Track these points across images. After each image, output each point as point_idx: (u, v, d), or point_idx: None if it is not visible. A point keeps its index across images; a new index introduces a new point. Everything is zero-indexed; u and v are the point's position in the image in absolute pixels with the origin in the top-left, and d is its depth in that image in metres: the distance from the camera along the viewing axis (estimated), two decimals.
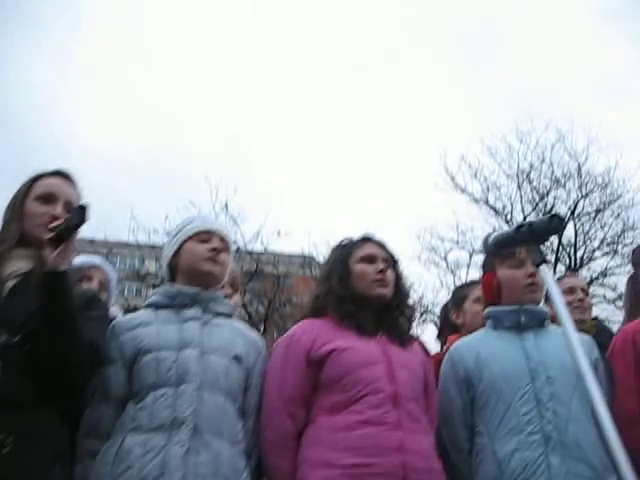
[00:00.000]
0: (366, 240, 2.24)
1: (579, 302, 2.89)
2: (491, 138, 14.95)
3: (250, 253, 15.53)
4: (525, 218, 14.43)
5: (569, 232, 14.25)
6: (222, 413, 1.83)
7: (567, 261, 14.16)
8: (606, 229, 14.32)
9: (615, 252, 14.13)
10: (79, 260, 2.36)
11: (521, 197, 14.51)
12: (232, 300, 2.60)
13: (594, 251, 14.05)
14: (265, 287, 16.17)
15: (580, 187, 14.12)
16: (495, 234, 1.56)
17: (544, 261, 1.43)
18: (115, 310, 2.50)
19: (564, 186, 14.24)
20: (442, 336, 3.03)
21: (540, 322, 2.24)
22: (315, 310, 2.18)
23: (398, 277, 2.22)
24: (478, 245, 13.54)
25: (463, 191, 14.81)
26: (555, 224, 1.46)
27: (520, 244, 1.48)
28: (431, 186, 14.83)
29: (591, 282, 13.26)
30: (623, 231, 13.88)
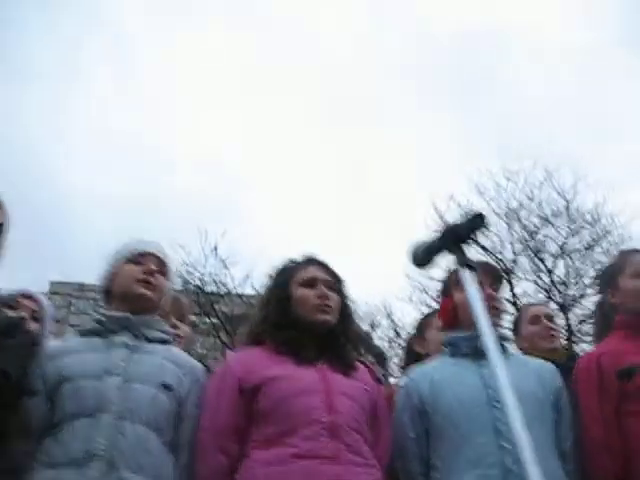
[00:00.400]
0: (308, 262, 2.12)
1: (546, 330, 2.77)
2: (479, 176, 14.93)
3: (240, 296, 15.36)
4: (516, 256, 14.38)
5: (560, 270, 14.19)
6: (143, 446, 1.69)
7: (559, 299, 14.00)
8: (597, 266, 14.22)
9: None
10: (9, 289, 2.25)
11: (511, 235, 14.44)
12: (180, 330, 2.46)
13: (586, 288, 13.92)
14: None
15: (569, 224, 14.09)
16: (419, 242, 1.46)
17: (467, 264, 1.33)
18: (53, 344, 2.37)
19: (553, 224, 14.21)
20: (406, 367, 2.89)
21: (501, 348, 2.11)
22: (253, 338, 2.05)
23: (344, 301, 2.10)
24: None
25: None
26: (477, 222, 1.37)
27: (446, 247, 1.38)
28: (420, 226, 14.68)
29: (584, 320, 13.09)
30: None
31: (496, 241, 14.70)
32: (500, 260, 14.43)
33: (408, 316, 14.56)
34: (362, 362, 2.13)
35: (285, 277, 2.07)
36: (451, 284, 2.21)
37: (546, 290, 14.07)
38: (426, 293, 14.62)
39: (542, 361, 2.19)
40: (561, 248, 14.10)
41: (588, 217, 14.06)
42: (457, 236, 1.37)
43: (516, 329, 2.91)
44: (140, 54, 28.41)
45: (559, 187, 14.22)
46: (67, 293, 15.94)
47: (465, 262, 1.33)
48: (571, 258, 14.27)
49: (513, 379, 2.01)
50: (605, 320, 2.35)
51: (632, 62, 21.61)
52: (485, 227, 1.36)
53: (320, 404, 1.80)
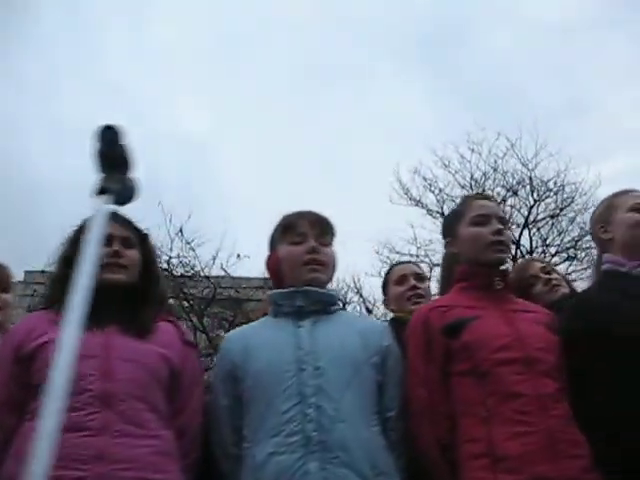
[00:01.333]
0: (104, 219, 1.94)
1: (411, 290, 2.61)
2: (444, 149, 14.76)
3: (207, 277, 15.16)
4: None
5: (525, 240, 14.10)
6: None
7: None
8: (563, 235, 14.15)
9: (574, 257, 13.94)
10: None
11: None
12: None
13: (553, 257, 13.83)
14: (225, 311, 15.79)
15: (533, 193, 13.98)
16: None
17: (104, 191, 1.14)
18: None
19: (517, 194, 14.09)
20: None
21: (325, 306, 1.95)
22: (46, 300, 1.87)
23: (146, 258, 1.92)
24: (437, 258, 13.27)
25: (418, 203, 14.60)
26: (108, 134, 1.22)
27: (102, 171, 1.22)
28: (386, 200, 14.49)
29: None
30: (581, 236, 13.70)
31: None
32: None
33: (377, 291, 14.47)
34: (173, 322, 1.94)
35: (78, 234, 1.88)
36: (276, 237, 2.04)
37: (513, 260, 14.00)
38: None
39: (372, 321, 2.05)
40: (526, 218, 14.00)
41: (551, 185, 13.96)
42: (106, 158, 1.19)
43: (385, 290, 2.76)
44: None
45: (522, 157, 14.09)
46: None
47: (102, 188, 1.13)
48: (537, 227, 14.19)
49: (335, 341, 1.88)
50: (447, 272, 2.20)
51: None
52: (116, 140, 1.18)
53: (94, 371, 1.64)
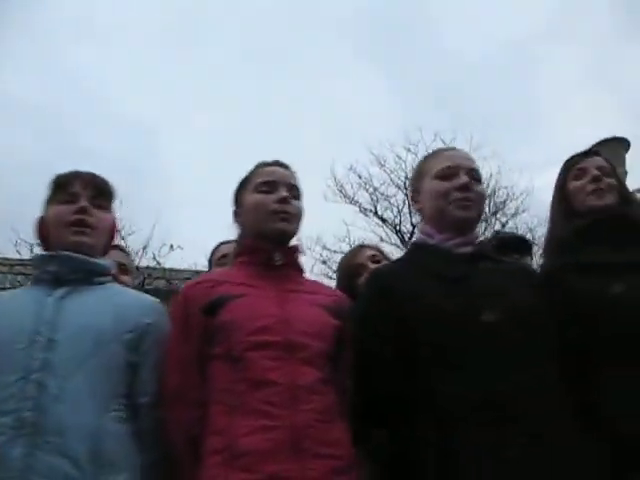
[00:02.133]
0: None
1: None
2: (379, 148, 14.75)
3: (137, 268, 14.77)
4: (414, 228, 14.29)
5: None
6: None
7: None
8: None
9: None
10: None
11: (409, 207, 14.37)
12: None
13: None
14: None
15: None
16: None
17: None
18: None
19: None
20: None
21: (88, 276, 1.75)
22: None
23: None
24: None
25: (352, 201, 14.55)
26: None
27: None
28: (319, 197, 14.39)
29: None
30: None
31: (395, 212, 14.62)
32: (399, 231, 14.35)
33: None
34: None
35: None
36: (48, 197, 1.81)
37: None
38: (327, 265, 14.44)
39: (140, 296, 1.85)
40: None
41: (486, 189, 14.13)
42: None
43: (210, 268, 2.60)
44: None
45: None
46: None
47: None
48: None
49: (83, 313, 1.68)
50: None
51: None
52: None
53: None
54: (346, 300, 1.86)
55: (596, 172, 1.94)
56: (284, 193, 1.80)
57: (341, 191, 14.59)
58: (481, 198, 1.86)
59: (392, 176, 14.54)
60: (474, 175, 1.83)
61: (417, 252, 1.87)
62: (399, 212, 14.45)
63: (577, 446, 1.51)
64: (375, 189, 14.55)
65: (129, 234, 14.84)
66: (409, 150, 14.50)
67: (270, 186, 1.81)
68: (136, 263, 14.75)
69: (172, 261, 16.29)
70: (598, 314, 1.73)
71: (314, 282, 1.92)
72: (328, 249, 14.22)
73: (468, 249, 1.78)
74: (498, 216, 14.09)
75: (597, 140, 14.96)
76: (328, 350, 1.66)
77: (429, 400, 1.56)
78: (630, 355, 1.65)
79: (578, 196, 1.97)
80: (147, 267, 15.65)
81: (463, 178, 1.79)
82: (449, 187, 1.79)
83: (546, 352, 1.62)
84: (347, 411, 1.64)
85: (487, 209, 14.24)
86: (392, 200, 14.46)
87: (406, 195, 14.45)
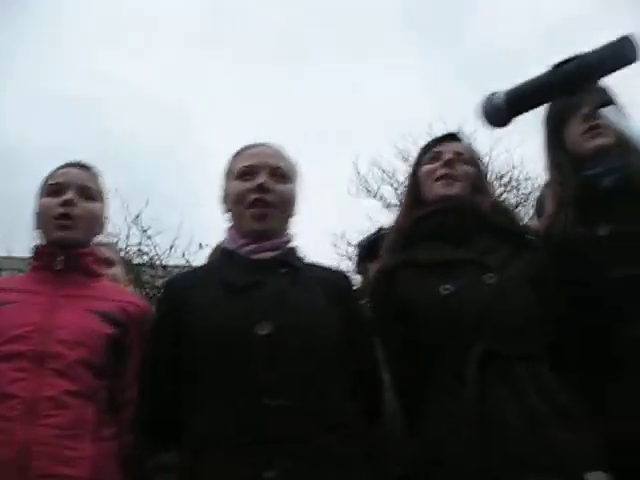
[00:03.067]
0: None
1: None
2: (403, 142, 14.40)
3: (164, 267, 14.89)
4: None
5: None
6: None
7: None
8: None
9: None
10: None
11: None
12: None
13: None
14: None
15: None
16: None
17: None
18: None
19: None
20: None
21: None
22: None
23: None
24: None
25: (375, 196, 14.27)
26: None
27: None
28: (344, 192, 14.21)
29: None
30: None
31: None
32: None
33: None
34: None
35: None
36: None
37: None
38: (351, 260, 14.25)
39: None
40: None
41: (506, 180, 13.66)
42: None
43: None
44: None
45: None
46: None
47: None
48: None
49: None
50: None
51: None
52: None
53: None
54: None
55: (450, 156, 1.73)
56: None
57: (364, 185, 14.32)
58: (285, 199, 1.66)
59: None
60: (278, 173, 1.65)
61: (220, 258, 1.72)
62: None
63: (347, 463, 1.38)
64: (400, 183, 14.21)
65: (158, 233, 14.95)
66: None
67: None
68: (164, 262, 14.93)
69: (201, 259, 16.34)
70: (428, 316, 1.59)
71: (106, 287, 1.79)
72: (353, 245, 13.98)
73: (268, 255, 1.60)
74: (519, 208, 13.54)
75: None
76: (91, 360, 1.57)
77: (188, 422, 1.42)
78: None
79: (426, 182, 1.77)
80: (176, 266, 15.76)
81: (260, 178, 1.61)
82: (246, 188, 1.62)
83: (332, 364, 1.46)
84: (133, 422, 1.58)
85: (511, 201, 13.78)
86: None
87: None
